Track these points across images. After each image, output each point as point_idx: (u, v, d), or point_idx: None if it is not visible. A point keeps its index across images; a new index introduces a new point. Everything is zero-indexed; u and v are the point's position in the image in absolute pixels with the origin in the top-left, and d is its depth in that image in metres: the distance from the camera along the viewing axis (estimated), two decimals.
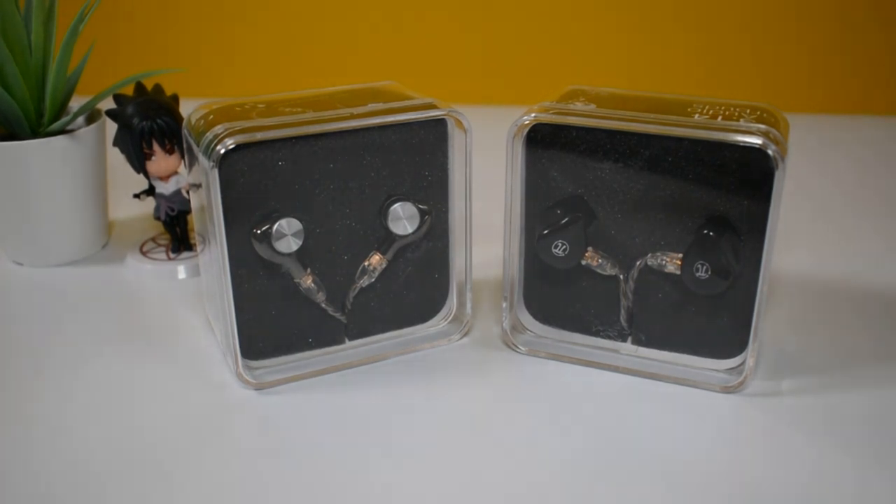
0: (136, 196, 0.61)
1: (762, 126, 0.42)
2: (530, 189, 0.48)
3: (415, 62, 1.09)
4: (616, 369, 0.49)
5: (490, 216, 0.58)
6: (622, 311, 0.48)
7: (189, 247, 0.63)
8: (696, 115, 0.44)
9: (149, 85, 0.60)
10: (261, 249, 0.45)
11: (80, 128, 0.61)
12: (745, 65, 1.03)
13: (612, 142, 0.45)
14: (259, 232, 0.45)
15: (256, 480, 0.40)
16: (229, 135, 0.42)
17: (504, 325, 0.51)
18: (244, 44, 1.12)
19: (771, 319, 0.54)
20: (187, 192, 0.60)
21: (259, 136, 0.43)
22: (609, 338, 0.50)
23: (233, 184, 0.44)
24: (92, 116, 0.64)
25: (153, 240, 0.65)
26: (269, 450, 0.43)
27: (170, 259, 0.62)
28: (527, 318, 0.51)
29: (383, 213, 0.48)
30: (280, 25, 1.11)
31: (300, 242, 0.45)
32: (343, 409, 0.46)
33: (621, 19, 1.04)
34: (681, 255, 0.46)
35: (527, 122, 0.46)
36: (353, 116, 0.45)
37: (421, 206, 0.48)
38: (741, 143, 0.42)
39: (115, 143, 0.60)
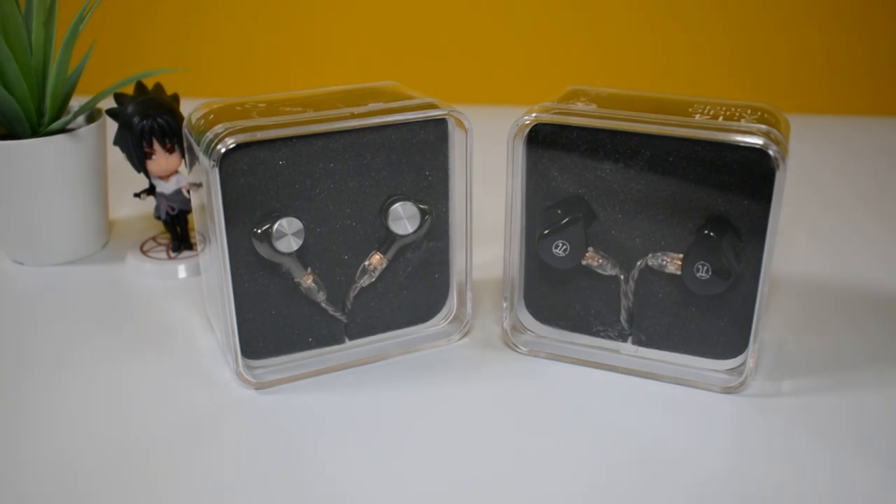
0: (137, 195, 0.61)
1: (763, 126, 0.42)
2: (531, 189, 0.48)
3: (415, 62, 1.09)
4: (616, 369, 0.49)
5: (490, 216, 0.58)
6: (622, 312, 0.48)
7: (189, 246, 0.63)
8: (697, 116, 0.44)
9: (149, 84, 0.60)
10: (261, 249, 0.45)
11: (80, 127, 0.61)
12: (745, 65, 1.03)
13: (613, 142, 0.45)
14: (259, 231, 0.45)
15: (256, 480, 0.40)
16: (230, 134, 0.42)
17: (504, 325, 0.51)
18: (244, 44, 1.12)
19: (771, 320, 0.54)
20: (188, 192, 0.60)
21: (259, 135, 0.43)
22: (609, 338, 0.50)
23: (233, 183, 0.44)
24: (92, 116, 0.64)
25: (154, 239, 0.65)
26: (269, 450, 0.43)
27: (170, 258, 0.62)
28: (527, 318, 0.51)
29: (384, 213, 0.48)
30: (280, 25, 1.11)
31: (300, 242, 0.45)
32: (343, 409, 0.46)
33: (621, 19, 1.04)
34: (681, 256, 0.46)
35: (527, 122, 0.46)
36: (353, 116, 0.45)
37: (421, 206, 0.48)
38: (742, 144, 0.42)
39: (116, 143, 0.60)
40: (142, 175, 0.60)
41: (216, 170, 0.42)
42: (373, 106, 0.46)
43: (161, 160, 0.59)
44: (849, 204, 0.75)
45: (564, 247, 0.47)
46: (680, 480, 0.40)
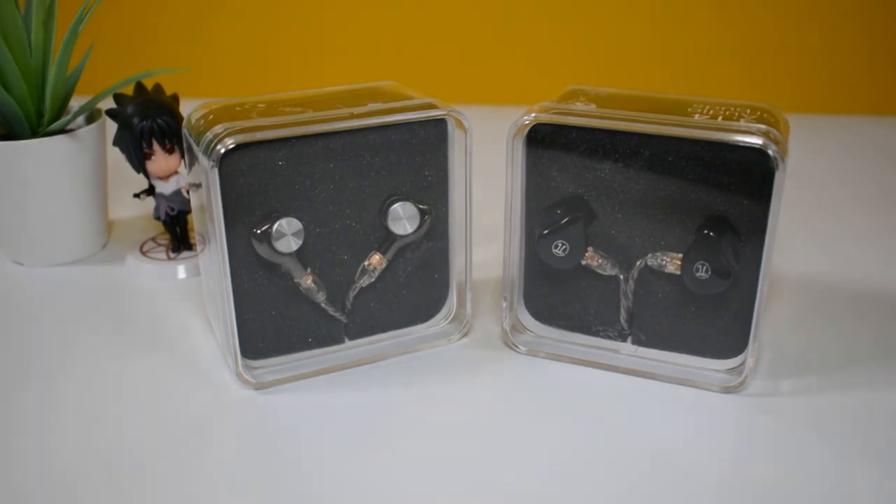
0: (136, 196, 0.61)
1: (762, 126, 0.42)
2: (530, 189, 0.48)
3: (415, 62, 1.09)
4: (616, 369, 0.49)
5: (490, 216, 0.58)
6: (622, 311, 0.48)
7: (189, 246, 0.63)
8: (697, 115, 0.44)
9: (149, 85, 0.60)
10: (261, 249, 0.45)
11: (80, 127, 0.61)
12: (744, 65, 1.03)
13: (613, 142, 0.45)
14: (259, 231, 0.45)
15: (256, 480, 0.40)
16: (229, 134, 0.42)
17: (504, 325, 0.51)
18: (244, 44, 1.12)
19: (771, 319, 0.54)
20: (187, 192, 0.60)
21: (259, 135, 0.43)
22: (609, 338, 0.50)
23: (233, 183, 0.44)
24: (92, 116, 0.64)
25: (153, 239, 0.65)
26: (269, 450, 0.43)
27: (170, 259, 0.62)
28: (527, 318, 0.51)
29: (383, 213, 0.48)
30: (280, 25, 1.11)
31: (300, 242, 0.45)
32: (343, 409, 0.46)
33: (621, 19, 1.04)
34: (681, 255, 0.46)
35: (527, 122, 0.46)
36: (352, 116, 0.45)
37: (421, 206, 0.48)
38: (741, 143, 0.42)
39: (115, 143, 0.60)
40: (141, 176, 0.60)
41: (216, 170, 0.42)
42: (372, 106, 0.46)
43: (160, 161, 0.59)
44: (849, 203, 0.75)
45: (564, 247, 0.47)
46: (680, 479, 0.40)
